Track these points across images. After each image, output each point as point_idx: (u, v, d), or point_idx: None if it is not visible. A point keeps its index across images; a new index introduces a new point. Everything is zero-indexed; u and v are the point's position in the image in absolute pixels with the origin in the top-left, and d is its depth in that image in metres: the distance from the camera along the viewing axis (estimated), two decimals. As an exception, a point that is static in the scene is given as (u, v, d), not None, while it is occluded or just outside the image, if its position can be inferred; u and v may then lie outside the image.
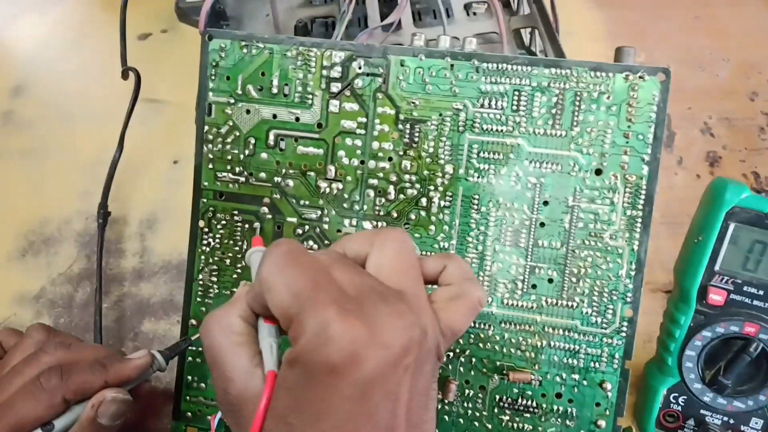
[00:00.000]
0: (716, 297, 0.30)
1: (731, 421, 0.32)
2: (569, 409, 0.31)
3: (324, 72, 0.33)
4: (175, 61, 0.57)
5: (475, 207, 0.32)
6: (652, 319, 0.36)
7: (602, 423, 0.31)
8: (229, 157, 0.34)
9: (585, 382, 0.31)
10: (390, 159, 0.32)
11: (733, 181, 0.30)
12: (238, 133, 0.34)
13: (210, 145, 0.34)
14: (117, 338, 0.41)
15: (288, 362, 0.20)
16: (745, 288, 0.30)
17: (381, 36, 0.43)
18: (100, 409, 0.29)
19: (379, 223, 0.33)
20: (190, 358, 0.34)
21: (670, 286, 0.41)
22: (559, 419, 0.31)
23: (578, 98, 0.31)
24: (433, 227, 0.32)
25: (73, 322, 0.42)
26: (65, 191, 0.48)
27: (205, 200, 0.34)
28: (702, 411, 0.32)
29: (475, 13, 0.50)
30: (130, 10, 0.53)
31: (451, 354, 0.32)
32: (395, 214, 0.33)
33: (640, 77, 0.30)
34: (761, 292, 0.30)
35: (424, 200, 0.32)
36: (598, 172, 0.31)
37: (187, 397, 0.35)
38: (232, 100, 0.33)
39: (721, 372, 0.31)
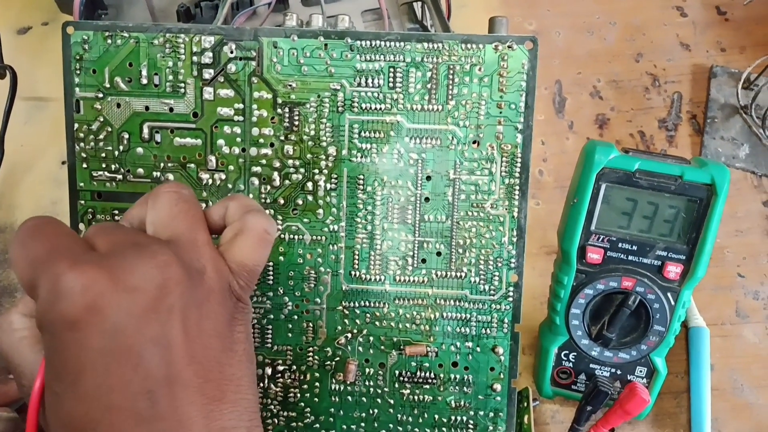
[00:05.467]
0: (594, 255, 0.32)
1: (618, 372, 0.34)
2: (466, 377, 0.32)
3: (195, 58, 0.31)
4: (58, 56, 0.53)
5: (361, 187, 0.32)
6: (548, 281, 0.37)
7: (498, 386, 0.32)
8: (104, 155, 0.32)
9: (478, 349, 0.32)
10: (272, 145, 0.32)
11: (601, 143, 0.31)
12: (110, 129, 0.32)
13: (82, 144, 0.32)
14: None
15: (40, 332, 0.20)
16: (620, 245, 0.32)
17: (269, 20, 0.42)
18: None
19: (267, 212, 0.32)
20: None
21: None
22: (457, 387, 0.32)
23: (451, 72, 0.31)
24: (321, 211, 0.32)
25: (-40, 340, 0.39)
26: (-55, 202, 0.45)
27: (83, 202, 0.33)
28: (591, 365, 0.34)
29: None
30: (7, 2, 0.49)
31: (349, 335, 0.32)
32: (282, 201, 0.32)
33: (509, 47, 0.31)
34: (635, 248, 0.32)
35: (309, 184, 0.32)
36: (476, 143, 0.31)
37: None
38: (101, 95, 0.32)
39: (605, 326, 0.32)
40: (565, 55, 0.52)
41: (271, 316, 0.33)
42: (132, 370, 0.19)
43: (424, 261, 0.32)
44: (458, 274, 0.32)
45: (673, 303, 0.32)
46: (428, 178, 0.32)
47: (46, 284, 0.19)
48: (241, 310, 0.22)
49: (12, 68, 0.47)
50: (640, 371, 0.33)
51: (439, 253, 0.32)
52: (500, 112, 0.31)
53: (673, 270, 0.32)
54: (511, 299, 0.32)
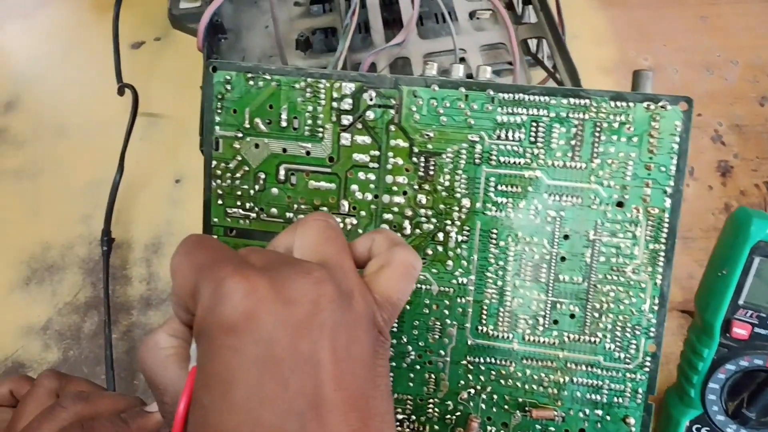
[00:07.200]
0: (741, 331, 0.30)
1: (753, 450, 0.32)
2: (592, 444, 0.31)
3: (334, 104, 0.31)
4: (170, 72, 0.55)
5: (494, 241, 0.31)
6: (669, 339, 0.36)
7: (625, 457, 0.31)
8: (239, 193, 0.33)
9: (608, 418, 0.31)
10: (405, 193, 0.32)
11: (757, 213, 0.30)
12: (247, 168, 0.33)
13: (218, 181, 0.33)
14: (129, 371, 0.40)
15: (195, 339, 0.19)
16: (769, 320, 0.30)
17: (386, 53, 0.42)
18: None
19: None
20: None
21: (686, 305, 0.41)
22: (581, 454, 0.31)
23: (598, 129, 0.30)
24: (450, 262, 0.32)
25: (83, 355, 0.41)
26: (64, 214, 0.47)
27: (215, 237, 0.33)
28: (724, 440, 0.32)
29: (478, 18, 0.48)
30: (122, 17, 0.51)
31: (473, 391, 0.32)
32: (411, 249, 0.32)
33: (662, 107, 0.30)
34: (785, 325, 0.30)
35: (440, 235, 0.32)
36: (620, 204, 0.30)
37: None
38: (240, 134, 0.32)
39: (745, 404, 0.31)
40: (683, 94, 0.49)
41: (393, 364, 0.32)
42: (283, 386, 0.18)
43: (556, 322, 0.31)
44: (592, 339, 0.31)
45: (820, 385, 0.30)
46: (566, 237, 0.31)
47: (209, 287, 0.19)
48: (382, 345, 0.22)
49: (133, 87, 0.48)
50: (778, 452, 0.32)
51: (572, 316, 0.31)
52: (648, 174, 0.30)
53: (825, 351, 0.30)
54: (647, 369, 0.30)
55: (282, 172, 0.32)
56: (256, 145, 0.32)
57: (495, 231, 0.31)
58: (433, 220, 0.32)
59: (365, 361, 0.20)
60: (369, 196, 0.32)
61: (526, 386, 0.31)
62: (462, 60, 0.42)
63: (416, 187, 0.31)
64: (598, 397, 0.31)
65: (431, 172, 0.31)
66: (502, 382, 0.32)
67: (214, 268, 0.19)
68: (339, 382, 0.19)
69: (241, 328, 0.18)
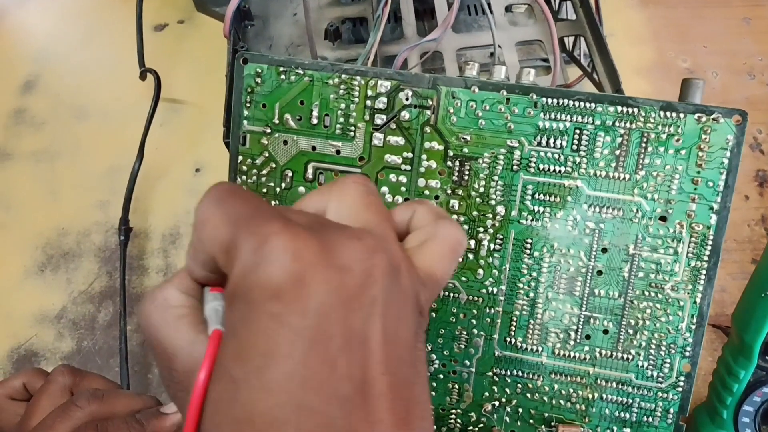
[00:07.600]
0: (781, 355, 0.29)
1: (786, 476, 0.31)
2: (620, 463, 0.30)
3: (368, 102, 0.30)
4: (193, 57, 0.54)
5: (528, 251, 0.30)
6: (704, 354, 0.34)
7: (654, 478, 0.30)
8: (265, 190, 0.32)
9: (638, 437, 0.30)
10: (437, 197, 0.30)
11: (807, 234, 0.28)
12: (274, 165, 0.31)
13: (244, 177, 0.32)
14: (143, 365, 0.40)
15: (228, 301, 0.17)
16: (812, 346, 0.29)
17: (418, 47, 0.40)
18: None
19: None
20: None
21: (717, 319, 0.40)
22: (608, 473, 0.30)
23: (645, 139, 0.29)
24: (481, 271, 0.31)
25: (97, 346, 0.40)
26: (82, 200, 0.46)
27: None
28: (756, 465, 0.31)
29: (512, 12, 0.47)
30: (147, -1, 0.50)
31: (497, 403, 0.31)
32: (441, 255, 0.31)
33: (714, 119, 0.28)
34: (829, 351, 0.29)
35: (472, 242, 0.30)
36: (663, 219, 0.29)
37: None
38: (269, 130, 0.31)
39: (780, 429, 0.30)
40: (722, 99, 0.48)
41: (417, 372, 0.31)
42: (330, 366, 0.16)
43: (588, 337, 0.30)
44: (625, 356, 0.30)
45: None
46: (604, 250, 0.29)
47: (252, 243, 0.16)
48: (422, 327, 0.20)
49: (156, 72, 0.47)
50: (812, 479, 0.31)
51: (606, 331, 0.30)
52: (695, 189, 0.28)
53: None
54: (680, 389, 0.29)
55: (310, 171, 0.31)
56: (285, 142, 0.31)
57: (530, 241, 0.30)
58: (465, 226, 0.30)
59: (409, 343, 0.18)
60: (399, 199, 0.31)
61: (553, 401, 0.30)
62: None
63: (449, 191, 0.30)
64: (628, 416, 0.30)
65: (466, 177, 0.30)
66: (529, 395, 0.31)
67: (258, 221, 0.16)
68: (387, 365, 0.17)
69: (288, 294, 0.16)
